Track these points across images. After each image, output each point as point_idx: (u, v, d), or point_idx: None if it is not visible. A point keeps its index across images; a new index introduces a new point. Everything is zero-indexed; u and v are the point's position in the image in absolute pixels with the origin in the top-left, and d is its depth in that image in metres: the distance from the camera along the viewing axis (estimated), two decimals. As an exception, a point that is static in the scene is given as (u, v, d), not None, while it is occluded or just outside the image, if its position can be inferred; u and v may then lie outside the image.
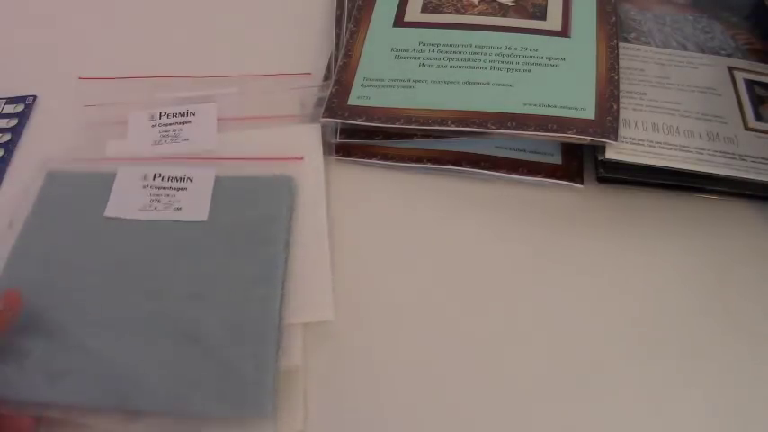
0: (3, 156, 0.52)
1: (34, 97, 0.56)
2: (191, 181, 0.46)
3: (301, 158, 0.48)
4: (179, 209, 0.45)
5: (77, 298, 0.41)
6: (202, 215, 0.44)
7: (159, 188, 0.46)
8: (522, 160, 0.49)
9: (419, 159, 0.49)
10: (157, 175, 0.46)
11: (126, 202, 0.45)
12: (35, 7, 0.63)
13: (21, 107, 0.55)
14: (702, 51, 0.52)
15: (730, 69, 0.51)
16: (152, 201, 0.45)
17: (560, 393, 0.39)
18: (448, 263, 0.44)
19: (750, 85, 0.50)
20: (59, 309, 0.40)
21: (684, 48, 0.53)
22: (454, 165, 0.48)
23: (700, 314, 0.42)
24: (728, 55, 0.52)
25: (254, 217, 0.44)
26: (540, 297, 0.43)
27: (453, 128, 0.47)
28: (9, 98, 0.56)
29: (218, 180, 0.46)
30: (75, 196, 0.46)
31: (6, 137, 0.53)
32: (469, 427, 0.38)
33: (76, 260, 0.43)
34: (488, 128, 0.47)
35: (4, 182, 0.51)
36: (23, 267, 0.43)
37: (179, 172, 0.46)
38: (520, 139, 0.48)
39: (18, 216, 0.45)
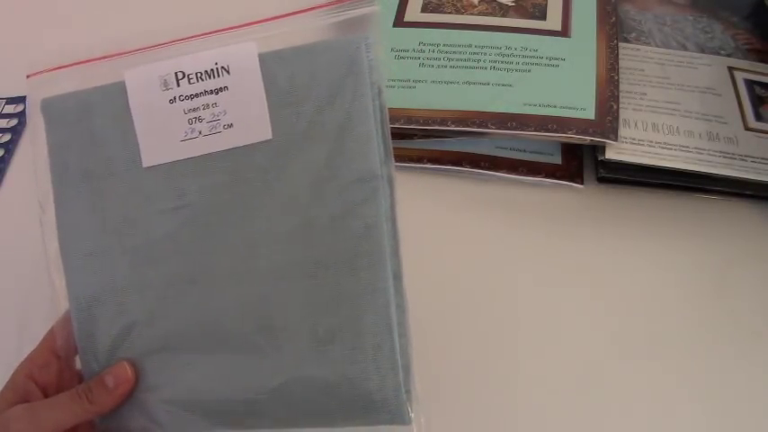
0: (3, 156, 0.52)
1: (34, 97, 0.56)
2: (227, 72, 0.33)
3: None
4: (230, 125, 0.33)
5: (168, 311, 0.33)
6: (263, 130, 0.33)
7: (191, 96, 0.33)
8: (522, 160, 0.49)
9: (419, 159, 0.49)
10: (180, 75, 0.33)
11: (158, 131, 0.33)
12: (35, 6, 0.63)
13: (21, 107, 0.55)
14: (702, 51, 0.52)
15: (730, 69, 0.51)
16: (191, 121, 0.33)
17: (559, 393, 0.39)
18: (447, 262, 0.44)
19: (750, 85, 0.50)
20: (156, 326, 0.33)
21: (684, 48, 0.53)
22: (454, 165, 0.49)
23: (700, 313, 0.42)
24: (728, 55, 0.52)
25: (332, 119, 0.33)
26: (539, 296, 0.43)
27: (453, 128, 0.47)
28: (9, 98, 0.56)
29: (263, 62, 0.33)
30: (92, 136, 0.34)
31: (6, 137, 0.53)
32: (454, 417, 0.38)
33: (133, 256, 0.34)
34: (488, 128, 0.47)
35: (5, 182, 0.51)
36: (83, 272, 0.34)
37: (206, 61, 0.33)
38: (520, 139, 0.48)
39: (42, 189, 0.35)
